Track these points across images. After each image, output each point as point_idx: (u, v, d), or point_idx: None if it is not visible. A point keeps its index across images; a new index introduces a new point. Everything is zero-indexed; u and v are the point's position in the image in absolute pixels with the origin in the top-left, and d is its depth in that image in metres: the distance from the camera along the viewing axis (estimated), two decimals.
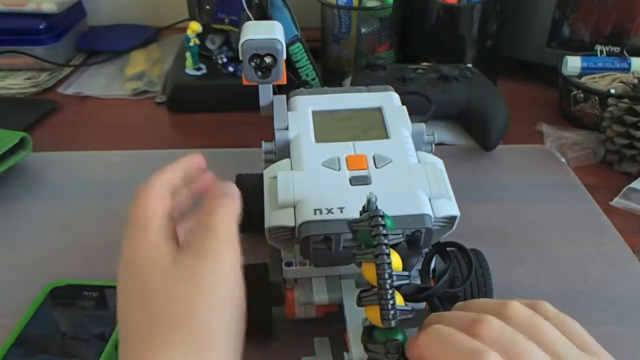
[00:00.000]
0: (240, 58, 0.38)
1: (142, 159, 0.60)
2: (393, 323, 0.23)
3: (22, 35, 0.77)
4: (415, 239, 0.30)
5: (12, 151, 0.55)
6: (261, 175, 0.41)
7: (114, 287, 0.40)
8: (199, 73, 0.70)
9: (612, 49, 0.69)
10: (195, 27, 0.69)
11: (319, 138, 0.36)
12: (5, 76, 0.77)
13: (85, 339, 0.36)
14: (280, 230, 0.32)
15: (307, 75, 0.67)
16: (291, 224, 0.30)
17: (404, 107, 0.39)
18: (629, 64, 0.66)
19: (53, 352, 0.35)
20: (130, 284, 0.28)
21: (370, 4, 0.69)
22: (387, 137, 0.36)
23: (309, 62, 0.68)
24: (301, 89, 0.41)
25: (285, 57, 0.38)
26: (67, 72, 0.80)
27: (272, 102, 0.40)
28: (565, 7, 0.71)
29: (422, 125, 0.37)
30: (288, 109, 0.39)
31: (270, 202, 0.32)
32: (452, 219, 0.32)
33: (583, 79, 0.66)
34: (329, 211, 0.30)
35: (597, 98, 0.62)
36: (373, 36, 0.70)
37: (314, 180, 0.32)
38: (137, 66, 0.79)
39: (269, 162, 0.36)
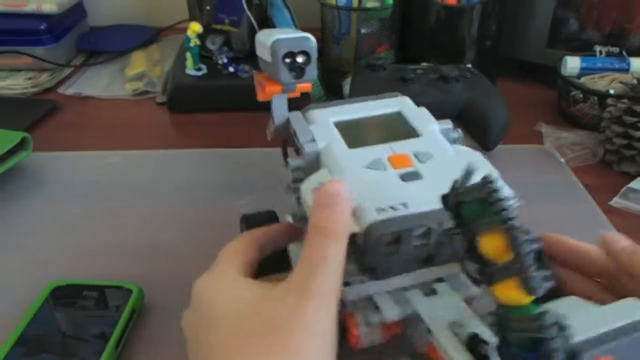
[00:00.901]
0: (262, 57, 0.36)
1: (142, 159, 0.60)
2: (540, 292, 0.21)
3: (23, 35, 0.78)
4: None
5: (12, 151, 0.55)
6: (271, 213, 0.41)
7: (114, 287, 0.41)
8: (199, 73, 0.70)
9: (611, 49, 0.69)
10: (195, 27, 0.69)
11: (351, 144, 0.34)
12: (5, 76, 0.77)
13: (85, 339, 0.36)
14: None
15: None
16: (356, 229, 0.27)
17: (423, 107, 0.38)
18: (628, 65, 0.67)
19: (53, 352, 0.35)
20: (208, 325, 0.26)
21: (370, 5, 0.69)
22: (418, 135, 0.35)
23: None
24: (312, 104, 0.39)
25: (317, 55, 0.36)
26: (67, 72, 0.80)
27: (287, 119, 0.37)
28: (565, 8, 0.71)
29: (449, 122, 0.36)
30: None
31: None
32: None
33: (582, 79, 0.66)
34: (393, 208, 0.28)
35: (596, 98, 0.62)
36: (373, 37, 0.70)
37: (363, 183, 0.30)
38: (137, 67, 0.79)
39: (298, 180, 0.33)
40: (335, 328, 0.25)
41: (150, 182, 0.55)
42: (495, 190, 0.22)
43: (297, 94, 0.37)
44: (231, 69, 0.70)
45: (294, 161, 0.34)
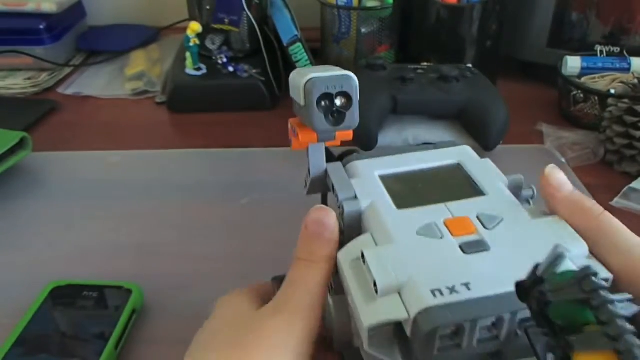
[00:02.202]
0: (297, 99, 0.30)
1: (142, 159, 0.60)
2: None
3: (22, 35, 0.78)
4: None
5: (12, 151, 0.55)
6: None
7: (114, 287, 0.40)
8: (199, 73, 0.70)
9: (612, 49, 0.69)
10: (195, 27, 0.69)
11: (400, 204, 0.28)
12: (5, 76, 0.77)
13: (85, 339, 0.36)
14: (384, 328, 0.23)
15: None
16: (403, 315, 0.22)
17: (488, 159, 0.32)
18: (629, 64, 0.67)
19: (53, 352, 0.35)
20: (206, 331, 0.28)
21: (370, 4, 0.69)
22: (483, 194, 0.29)
23: (309, 62, 0.68)
24: (354, 154, 0.34)
25: (358, 97, 0.30)
26: (67, 72, 0.80)
27: (325, 170, 0.32)
28: (565, 7, 0.71)
29: (520, 178, 0.30)
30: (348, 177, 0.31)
31: (360, 292, 0.24)
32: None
33: (583, 79, 0.66)
34: (452, 290, 0.22)
35: (597, 98, 0.62)
36: (373, 36, 0.70)
37: (415, 253, 0.25)
38: (137, 66, 0.79)
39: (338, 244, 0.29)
40: (310, 346, 0.26)
41: (150, 182, 0.55)
42: (601, 289, 0.16)
43: (337, 143, 0.31)
44: (231, 69, 0.70)
45: None
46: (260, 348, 0.24)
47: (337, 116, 0.30)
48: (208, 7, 0.72)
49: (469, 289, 0.22)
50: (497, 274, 0.22)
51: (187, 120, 0.68)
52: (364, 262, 0.25)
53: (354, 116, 0.30)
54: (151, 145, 0.62)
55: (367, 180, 0.30)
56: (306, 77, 0.29)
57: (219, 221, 0.49)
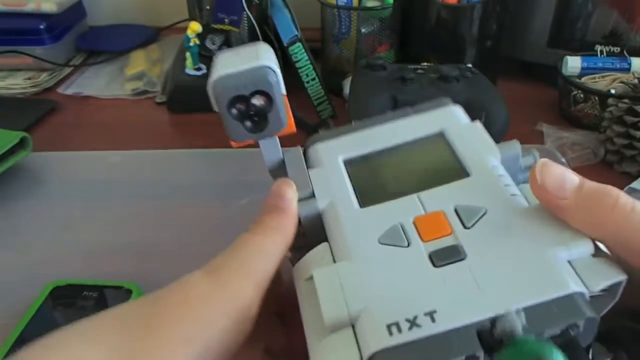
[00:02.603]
0: (214, 108, 0.25)
1: (142, 159, 0.60)
2: None
3: (22, 35, 0.77)
4: (570, 339, 0.17)
5: (12, 151, 0.55)
6: None
7: (114, 287, 0.40)
8: (199, 73, 0.70)
9: (612, 49, 0.69)
10: (195, 27, 0.69)
11: (365, 200, 0.23)
12: (5, 76, 0.77)
13: None
14: None
15: (307, 76, 0.67)
16: (353, 358, 0.18)
17: (478, 122, 0.27)
18: (629, 64, 0.66)
19: None
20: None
21: (370, 4, 0.69)
22: (466, 174, 0.23)
23: (309, 62, 0.68)
24: (320, 132, 0.28)
25: (284, 91, 0.25)
26: (67, 72, 0.80)
27: (282, 160, 0.27)
28: (565, 7, 0.71)
29: (516, 145, 0.25)
30: (308, 166, 0.27)
31: (311, 323, 0.20)
32: (614, 286, 0.19)
33: (583, 79, 0.66)
34: (412, 323, 0.18)
35: (597, 98, 0.62)
36: (373, 36, 0.70)
37: (375, 271, 0.20)
38: (137, 66, 0.79)
39: (300, 248, 0.24)
40: (245, 323, 0.21)
41: (150, 182, 0.55)
42: None
43: (291, 130, 0.26)
44: None
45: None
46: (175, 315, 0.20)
47: (257, 120, 0.24)
48: (208, 7, 0.72)
49: (433, 320, 0.18)
50: (470, 296, 0.18)
51: (187, 120, 0.68)
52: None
53: (279, 117, 0.24)
54: (151, 145, 0.62)
55: (328, 170, 0.25)
56: (215, 74, 0.25)
57: (219, 221, 0.49)
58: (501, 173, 0.23)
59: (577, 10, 0.70)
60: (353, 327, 0.19)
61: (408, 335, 0.17)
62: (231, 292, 0.21)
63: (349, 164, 0.26)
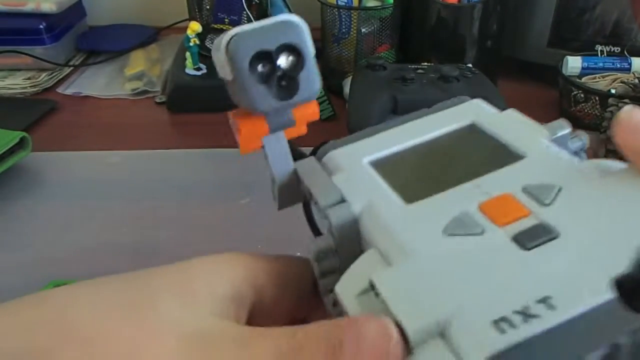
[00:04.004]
0: (225, 75, 0.20)
1: (142, 159, 0.59)
2: None
3: (22, 35, 0.77)
4: None
5: (12, 151, 0.55)
6: None
7: None
8: (199, 73, 0.70)
9: (612, 49, 0.69)
10: (195, 27, 0.69)
11: (409, 195, 0.20)
12: (5, 76, 0.77)
13: None
14: None
15: None
16: None
17: (513, 109, 0.25)
18: (630, 64, 0.66)
19: None
20: None
21: (370, 4, 0.69)
22: (520, 157, 0.20)
23: None
24: (330, 143, 0.24)
25: (314, 52, 0.20)
26: (66, 72, 0.80)
27: (293, 172, 0.23)
28: (565, 7, 0.71)
29: (564, 123, 0.22)
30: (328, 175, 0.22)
31: None
32: None
33: (583, 79, 0.66)
34: (526, 315, 0.14)
35: (597, 98, 0.62)
36: (373, 36, 0.70)
37: (449, 266, 0.16)
38: (136, 66, 0.79)
39: (330, 272, 0.20)
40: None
41: (150, 182, 0.55)
42: None
43: (302, 131, 0.22)
44: None
45: (315, 243, 0.20)
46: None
47: (286, 84, 0.20)
48: (208, 7, 0.72)
49: (551, 307, 0.14)
50: (584, 273, 0.15)
51: (187, 120, 0.68)
52: (376, 295, 0.16)
53: (311, 79, 0.20)
54: (151, 145, 0.62)
55: (354, 173, 0.22)
56: (227, 35, 0.19)
57: (218, 221, 0.49)
58: (558, 150, 0.21)
59: (578, 10, 0.70)
60: (442, 336, 0.14)
61: (526, 330, 0.14)
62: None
63: (376, 164, 0.22)
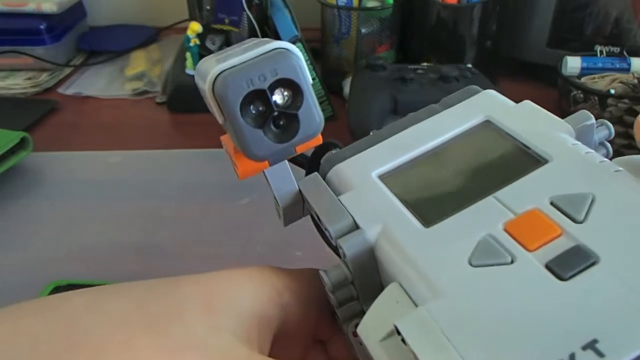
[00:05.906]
0: (217, 117, 0.19)
1: (142, 159, 0.60)
2: None
3: (23, 35, 0.77)
4: None
5: (12, 151, 0.55)
6: None
7: None
8: None
9: (612, 49, 0.69)
10: (195, 27, 0.69)
11: (427, 217, 0.18)
12: (5, 76, 0.77)
13: None
14: None
15: None
16: None
17: (528, 101, 0.22)
18: (629, 64, 0.66)
19: None
20: None
21: (370, 4, 0.69)
22: (544, 160, 0.18)
23: (308, 62, 0.68)
24: (333, 152, 0.23)
25: (311, 80, 0.18)
26: (67, 72, 0.80)
27: (296, 192, 0.22)
28: (565, 7, 0.71)
29: (587, 115, 0.21)
30: (335, 194, 0.21)
31: None
32: None
33: (583, 79, 0.66)
34: None
35: (596, 98, 0.62)
36: (373, 36, 0.70)
37: (479, 307, 0.15)
38: (137, 66, 0.79)
39: (348, 301, 0.19)
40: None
41: (150, 182, 0.55)
42: None
43: (303, 149, 0.20)
44: None
45: (328, 274, 0.19)
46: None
47: (284, 124, 0.18)
48: (208, 7, 0.72)
49: (600, 354, 0.12)
50: (632, 309, 0.13)
51: (187, 120, 0.68)
52: (403, 341, 0.15)
53: (312, 114, 0.18)
54: (151, 145, 0.62)
55: (364, 191, 0.20)
56: (212, 70, 0.17)
57: (218, 221, 0.49)
58: (587, 150, 0.18)
59: (577, 10, 0.71)
60: None
61: None
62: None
63: (387, 178, 0.20)
